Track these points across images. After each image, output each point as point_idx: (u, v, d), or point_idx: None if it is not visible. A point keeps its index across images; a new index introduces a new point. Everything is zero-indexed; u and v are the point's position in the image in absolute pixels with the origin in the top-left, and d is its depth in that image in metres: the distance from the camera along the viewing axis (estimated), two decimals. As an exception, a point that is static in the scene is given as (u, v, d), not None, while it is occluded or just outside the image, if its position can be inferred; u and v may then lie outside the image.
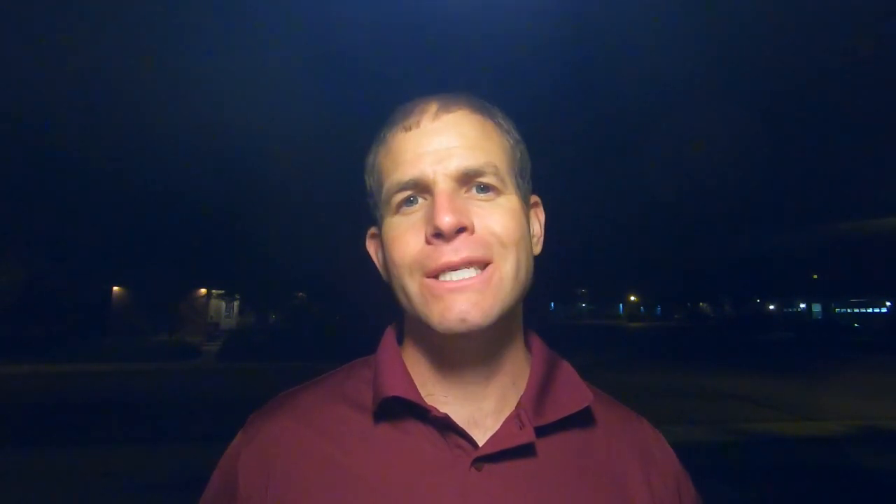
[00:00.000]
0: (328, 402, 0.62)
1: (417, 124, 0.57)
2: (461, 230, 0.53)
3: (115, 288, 24.29)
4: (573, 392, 0.61)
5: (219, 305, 30.22)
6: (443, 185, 0.54)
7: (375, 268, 0.68)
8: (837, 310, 45.70)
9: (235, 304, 29.07)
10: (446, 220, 0.52)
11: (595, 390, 0.66)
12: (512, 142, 0.61)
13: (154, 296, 21.70)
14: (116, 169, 9.17)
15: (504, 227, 0.55)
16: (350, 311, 19.35)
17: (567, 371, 0.64)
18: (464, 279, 0.53)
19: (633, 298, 60.47)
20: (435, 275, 0.53)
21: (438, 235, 0.53)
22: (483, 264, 0.53)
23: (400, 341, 0.66)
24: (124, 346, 17.42)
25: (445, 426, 0.56)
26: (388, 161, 0.58)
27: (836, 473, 5.42)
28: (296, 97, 6.65)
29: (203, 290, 26.83)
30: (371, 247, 0.68)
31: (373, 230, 0.67)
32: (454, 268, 0.53)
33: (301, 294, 24.10)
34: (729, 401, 9.54)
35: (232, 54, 5.53)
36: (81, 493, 4.75)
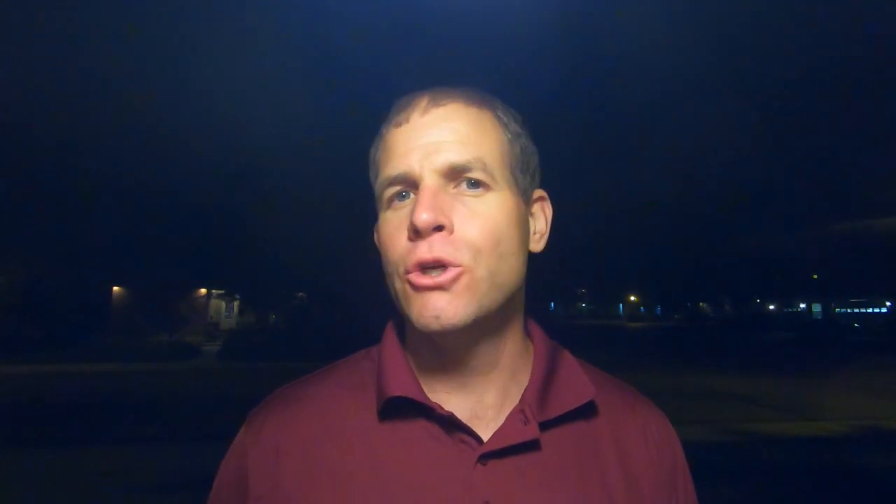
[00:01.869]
0: (333, 398, 0.62)
1: (407, 119, 0.57)
2: (438, 228, 0.52)
3: (115, 288, 24.33)
4: (576, 386, 0.61)
5: (219, 305, 30.25)
6: (428, 181, 0.54)
7: (376, 263, 0.68)
8: (837, 310, 45.76)
9: (235, 304, 29.04)
10: (423, 218, 0.51)
11: (598, 375, 0.67)
12: (510, 135, 0.60)
13: (154, 296, 21.70)
14: (117, 169, 9.18)
15: (481, 230, 0.54)
16: (350, 311, 19.33)
17: (569, 363, 0.64)
18: (434, 278, 0.52)
19: (633, 298, 60.48)
20: (412, 272, 0.53)
21: (417, 232, 0.52)
22: (454, 266, 0.53)
23: (401, 334, 0.66)
24: (124, 346, 17.40)
25: (451, 423, 0.56)
26: (382, 156, 0.59)
27: (836, 473, 5.42)
28: (296, 99, 6.66)
29: (203, 290, 26.86)
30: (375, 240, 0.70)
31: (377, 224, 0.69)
32: (427, 265, 0.52)
33: (301, 294, 24.07)
34: (729, 401, 9.53)
35: (232, 56, 5.54)
36: (81, 493, 4.75)
